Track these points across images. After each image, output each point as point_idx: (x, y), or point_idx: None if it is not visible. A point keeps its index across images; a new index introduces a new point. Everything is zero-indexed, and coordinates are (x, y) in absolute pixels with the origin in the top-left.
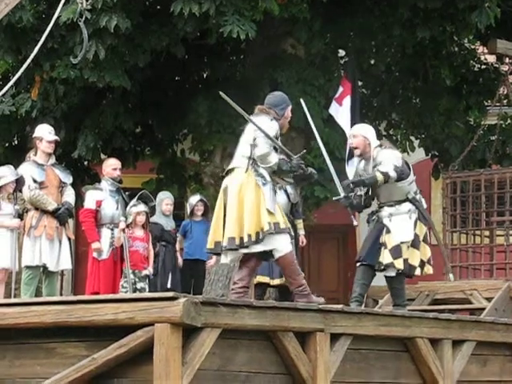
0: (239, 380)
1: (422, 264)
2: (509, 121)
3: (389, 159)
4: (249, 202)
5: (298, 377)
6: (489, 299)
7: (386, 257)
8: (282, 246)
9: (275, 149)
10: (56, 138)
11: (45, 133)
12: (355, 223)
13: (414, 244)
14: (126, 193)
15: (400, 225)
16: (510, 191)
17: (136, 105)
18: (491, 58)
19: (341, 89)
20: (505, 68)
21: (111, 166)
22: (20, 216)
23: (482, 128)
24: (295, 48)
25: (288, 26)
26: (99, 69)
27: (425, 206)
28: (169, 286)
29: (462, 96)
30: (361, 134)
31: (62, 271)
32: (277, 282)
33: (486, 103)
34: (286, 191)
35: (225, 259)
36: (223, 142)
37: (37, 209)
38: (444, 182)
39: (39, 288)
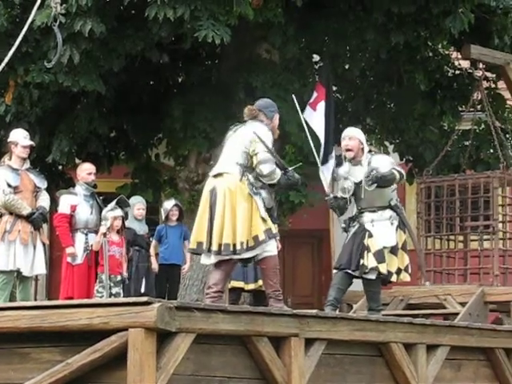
0: None
1: (399, 271)
2: (483, 126)
3: (387, 163)
4: (242, 210)
5: (272, 381)
6: (463, 304)
7: (370, 260)
8: (270, 247)
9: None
10: (31, 142)
11: (20, 137)
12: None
13: (393, 251)
14: (101, 197)
15: (382, 230)
16: (483, 196)
17: (111, 109)
18: (465, 64)
19: (315, 94)
20: (478, 73)
21: (86, 170)
22: None
23: (456, 133)
24: (270, 53)
25: (263, 30)
26: (74, 73)
27: (404, 213)
28: (142, 290)
29: (437, 101)
30: (357, 137)
31: (37, 276)
32: (251, 286)
33: (460, 108)
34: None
35: (206, 260)
36: (198, 147)
37: (11, 213)
38: (418, 186)
39: (13, 293)
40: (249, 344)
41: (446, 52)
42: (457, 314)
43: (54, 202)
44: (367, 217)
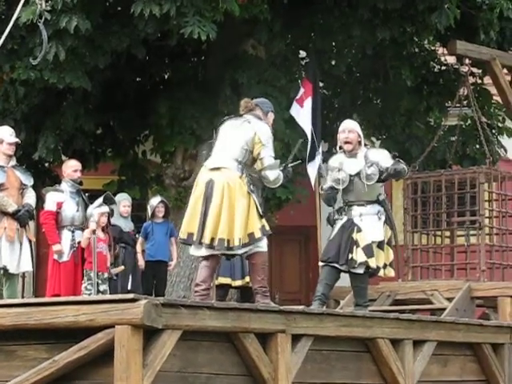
0: (200, 381)
1: (385, 266)
2: (469, 121)
3: (387, 156)
4: (241, 206)
5: (259, 378)
6: (450, 299)
7: (359, 255)
8: (262, 244)
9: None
10: (17, 140)
11: (5, 135)
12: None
13: (380, 245)
14: (86, 194)
15: (371, 225)
16: (470, 192)
17: (97, 106)
18: (451, 59)
19: (302, 90)
20: (465, 69)
21: (72, 167)
22: None
23: (443, 129)
24: (256, 49)
25: (249, 26)
26: (59, 70)
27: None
28: (129, 287)
29: (423, 97)
30: (356, 130)
31: (23, 273)
32: (238, 283)
33: (446, 104)
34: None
35: (196, 252)
36: (184, 144)
37: None
38: (405, 182)
39: None
40: (236, 340)
41: (432, 48)
42: (444, 309)
43: (41, 199)
44: (355, 210)
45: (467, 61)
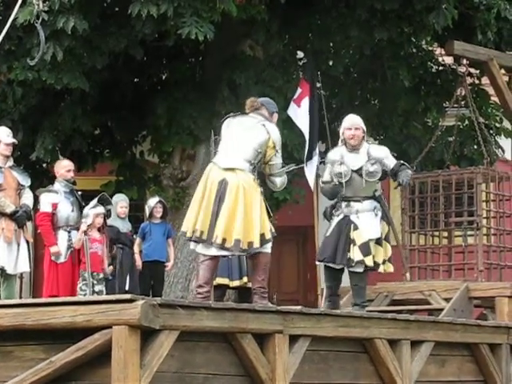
0: (197, 382)
1: (383, 262)
2: (466, 122)
3: (389, 153)
4: (258, 209)
5: (256, 378)
6: (447, 300)
7: (356, 254)
8: (268, 244)
9: None
10: (14, 140)
11: (3, 135)
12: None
13: (378, 241)
14: (79, 192)
15: (368, 222)
16: (467, 192)
17: (94, 107)
18: (449, 60)
19: (299, 90)
20: (462, 69)
21: (65, 167)
22: None
23: (440, 129)
24: (254, 49)
25: (246, 27)
26: (57, 71)
27: (386, 205)
28: (127, 288)
29: (420, 97)
30: (361, 126)
31: (21, 274)
32: (236, 283)
33: (443, 104)
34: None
35: (204, 251)
36: (182, 144)
37: None
38: None
39: None
40: (233, 341)
41: (430, 48)
42: (441, 309)
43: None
44: (352, 207)
45: (465, 61)
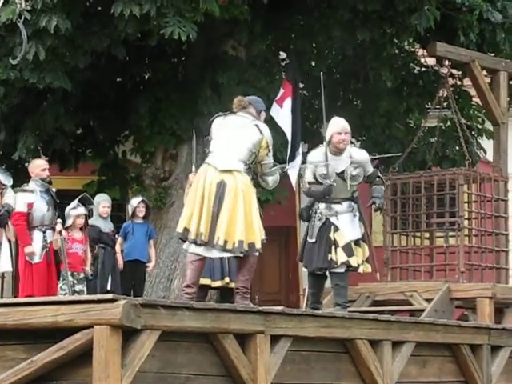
0: (179, 382)
1: (362, 262)
2: (448, 123)
3: (368, 159)
4: (255, 209)
5: (238, 379)
6: (429, 300)
7: (340, 255)
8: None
9: None
10: None
11: None
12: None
13: (357, 242)
14: (53, 190)
15: (348, 223)
16: (449, 193)
17: (77, 106)
18: (431, 61)
19: (282, 91)
20: (444, 70)
21: (40, 166)
22: None
23: (422, 130)
24: (236, 50)
25: (229, 27)
26: (39, 70)
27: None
28: (109, 288)
29: (403, 98)
30: (349, 131)
31: (3, 273)
32: (218, 283)
33: (426, 105)
34: None
35: (205, 253)
36: (164, 144)
37: None
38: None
39: None
40: (215, 341)
41: (412, 49)
42: (423, 310)
43: None
44: (332, 209)
45: (447, 62)
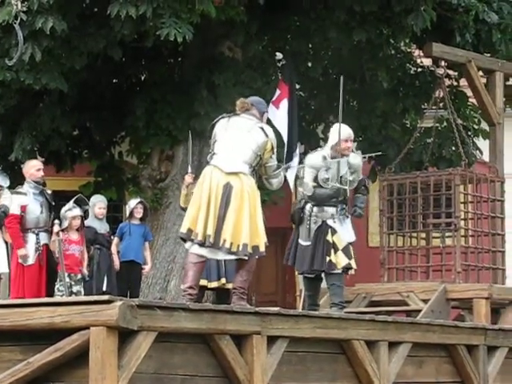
0: (175, 383)
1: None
2: (445, 123)
3: (361, 165)
4: (259, 212)
5: (234, 380)
6: (425, 301)
7: (341, 258)
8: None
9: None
10: None
11: None
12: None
13: (351, 243)
14: (49, 191)
15: (344, 226)
16: (446, 193)
17: (73, 107)
18: (427, 61)
19: (278, 92)
20: (441, 71)
21: (34, 167)
22: None
23: (419, 130)
24: (232, 51)
25: (225, 28)
26: (35, 71)
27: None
28: (104, 289)
29: (399, 99)
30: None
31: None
32: (214, 284)
33: (422, 106)
34: None
35: (211, 255)
36: (161, 145)
37: None
38: (381, 184)
39: None
40: (211, 342)
41: (409, 50)
42: (419, 310)
43: None
44: (326, 211)
45: (443, 63)
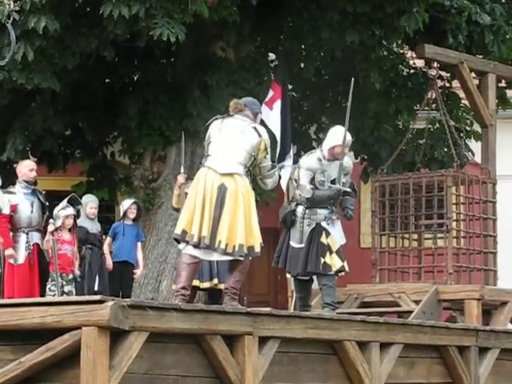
0: (167, 383)
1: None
2: (437, 125)
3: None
4: (254, 213)
5: (226, 380)
6: (417, 302)
7: (335, 260)
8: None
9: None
10: None
11: None
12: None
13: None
14: (43, 192)
15: (336, 228)
16: (438, 195)
17: (66, 107)
18: (420, 63)
19: (271, 92)
20: (433, 72)
21: (27, 166)
22: None
23: (411, 132)
24: (225, 51)
25: (218, 28)
26: (28, 71)
27: None
28: (96, 289)
29: (391, 100)
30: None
31: None
32: (206, 285)
33: (414, 107)
34: None
35: (206, 256)
36: (153, 145)
37: None
38: (373, 185)
39: None
40: (203, 342)
41: (401, 51)
42: (411, 311)
43: None
44: (319, 214)
45: (435, 64)
